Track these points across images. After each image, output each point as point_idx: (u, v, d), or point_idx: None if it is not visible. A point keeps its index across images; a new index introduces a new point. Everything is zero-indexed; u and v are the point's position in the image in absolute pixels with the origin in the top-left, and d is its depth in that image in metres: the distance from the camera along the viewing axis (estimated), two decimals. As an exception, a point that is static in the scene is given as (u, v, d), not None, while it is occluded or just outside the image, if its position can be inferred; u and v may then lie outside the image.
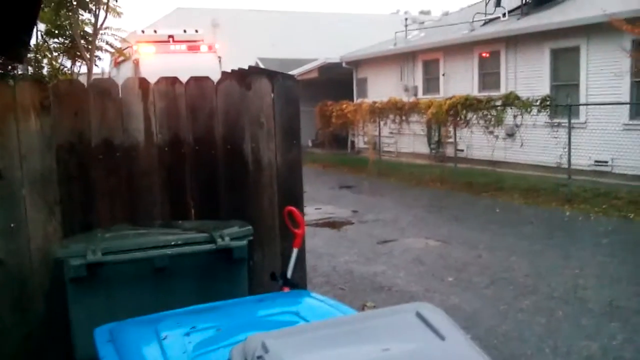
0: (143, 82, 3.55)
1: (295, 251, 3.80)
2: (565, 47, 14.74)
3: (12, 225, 3.32)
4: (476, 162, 16.32)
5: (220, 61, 15.47)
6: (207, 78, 3.75)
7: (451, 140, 15.99)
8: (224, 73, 3.90)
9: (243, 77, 3.84)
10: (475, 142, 15.74)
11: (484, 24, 17.77)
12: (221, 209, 3.78)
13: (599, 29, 13.08)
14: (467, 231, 9.95)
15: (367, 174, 17.13)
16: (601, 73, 13.70)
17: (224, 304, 2.42)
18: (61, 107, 3.38)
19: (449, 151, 16.38)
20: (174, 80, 3.65)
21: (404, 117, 16.60)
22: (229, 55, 16.64)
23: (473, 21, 17.97)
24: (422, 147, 17.82)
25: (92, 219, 3.45)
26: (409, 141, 18.74)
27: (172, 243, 2.78)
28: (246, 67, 4.28)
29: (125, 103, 3.51)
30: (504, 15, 17.15)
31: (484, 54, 17.20)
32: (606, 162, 13.35)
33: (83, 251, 2.67)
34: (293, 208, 3.82)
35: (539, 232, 9.67)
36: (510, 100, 13.20)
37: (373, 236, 9.85)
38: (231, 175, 3.80)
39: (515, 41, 15.99)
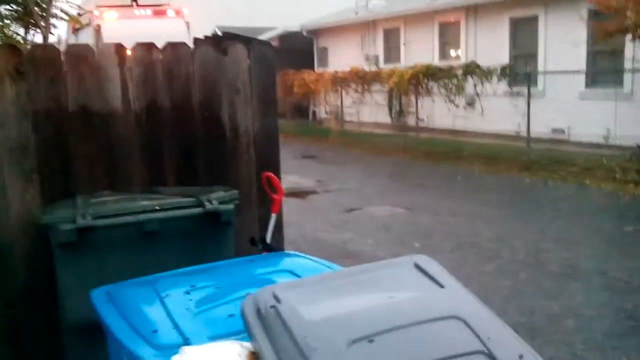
0: (119, 48, 3.52)
1: (273, 216, 3.86)
2: (524, 16, 14.96)
3: (-11, 193, 3.28)
4: (437, 132, 16.54)
5: (188, 27, 14.91)
6: (183, 44, 3.73)
7: (412, 109, 16.15)
8: (198, 39, 3.88)
9: (219, 43, 3.83)
10: (436, 111, 15.95)
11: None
12: (199, 176, 3.80)
13: (558, -1, 13.32)
14: (431, 198, 10.15)
15: (329, 143, 17.20)
16: (559, 42, 13.96)
17: (216, 265, 2.48)
18: (37, 73, 3.33)
19: (411, 120, 16.55)
20: (150, 46, 3.62)
21: (366, 87, 16.67)
22: (186, 24, 16.13)
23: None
24: (384, 117, 17.95)
25: (71, 187, 3.43)
26: (371, 111, 18.84)
27: (161, 207, 2.80)
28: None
29: (101, 69, 3.47)
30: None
31: (444, 23, 17.33)
32: (563, 130, 13.69)
33: (72, 216, 2.67)
34: (271, 174, 3.87)
35: (501, 199, 9.93)
36: (471, 69, 13.40)
37: (339, 205, 9.97)
38: (209, 142, 3.82)
39: (475, 10, 16.14)
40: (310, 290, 1.61)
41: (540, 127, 13.18)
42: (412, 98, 15.75)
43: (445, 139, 15.79)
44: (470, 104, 14.67)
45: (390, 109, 17.55)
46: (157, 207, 2.78)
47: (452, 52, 16.91)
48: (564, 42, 13.83)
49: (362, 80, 16.67)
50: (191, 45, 3.86)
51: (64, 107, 3.42)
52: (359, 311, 1.51)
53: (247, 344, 1.51)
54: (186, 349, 1.53)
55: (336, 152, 16.19)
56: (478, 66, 13.32)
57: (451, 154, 14.14)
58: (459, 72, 13.68)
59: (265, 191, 3.86)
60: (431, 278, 1.68)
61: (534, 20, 14.64)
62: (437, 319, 1.51)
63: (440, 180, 11.86)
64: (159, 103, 3.65)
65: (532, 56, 14.62)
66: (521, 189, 10.70)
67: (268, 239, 3.82)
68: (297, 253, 2.64)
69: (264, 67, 3.94)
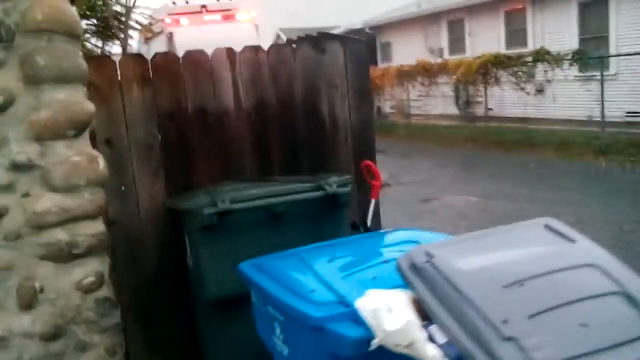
0: (230, 52, 3.85)
1: (373, 202, 4.13)
2: (593, -1, 14.75)
3: (122, 188, 3.67)
4: (507, 120, 16.48)
5: (257, 30, 15.30)
6: (286, 45, 4.04)
7: (481, 99, 16.14)
8: (299, 39, 4.18)
9: (317, 42, 4.13)
10: (505, 100, 15.89)
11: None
12: (302, 166, 4.10)
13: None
14: (505, 187, 10.21)
15: (397, 137, 17.35)
16: (631, 23, 13.71)
17: (345, 240, 2.77)
18: (159, 79, 3.70)
19: (479, 110, 16.54)
20: (257, 48, 3.95)
21: (432, 79, 16.74)
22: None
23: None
24: (451, 108, 17.98)
25: (192, 180, 3.79)
26: (438, 103, 18.89)
27: (288, 192, 3.12)
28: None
29: (214, 71, 3.82)
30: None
31: (509, 11, 17.21)
32: (638, 113, 13.45)
33: (212, 202, 3.01)
34: (370, 162, 4.15)
35: (577, 184, 9.90)
36: (541, 55, 13.31)
37: (414, 196, 10.16)
38: (310, 134, 4.12)
39: (540, -4, 16.00)
40: (457, 248, 1.87)
41: (614, 111, 13.00)
42: (480, 88, 15.74)
43: (515, 127, 15.72)
44: (540, 90, 14.58)
45: (457, 100, 17.56)
46: (287, 192, 3.10)
47: (519, 40, 16.78)
48: (636, 24, 13.58)
49: (428, 72, 16.76)
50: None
51: (184, 108, 3.77)
52: (506, 262, 1.76)
53: (409, 292, 1.77)
54: (369, 291, 1.81)
55: (404, 145, 16.32)
56: (548, 52, 13.24)
57: (522, 142, 14.09)
58: (529, 59, 13.61)
59: (364, 178, 4.13)
60: (562, 235, 1.92)
61: (604, 2, 14.41)
62: (576, 267, 1.74)
63: (513, 168, 11.88)
64: (266, 101, 3.97)
65: (603, 39, 14.39)
66: (598, 174, 10.62)
67: (369, 223, 4.10)
68: (411, 228, 2.89)
69: (358, 63, 4.22)
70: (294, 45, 4.09)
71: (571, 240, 1.92)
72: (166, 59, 3.76)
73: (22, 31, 2.65)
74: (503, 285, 1.65)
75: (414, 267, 1.78)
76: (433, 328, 1.65)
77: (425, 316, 1.71)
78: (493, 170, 11.83)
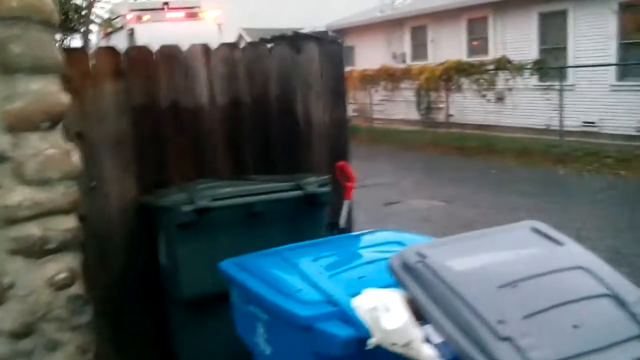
0: (205, 48, 3.80)
1: (346, 203, 4.12)
2: (552, 10, 15.08)
3: (92, 183, 3.57)
4: (467, 127, 16.72)
5: (220, 29, 15.21)
6: (261, 43, 4.00)
7: (442, 105, 16.35)
8: (274, 38, 4.16)
9: (293, 41, 4.11)
10: (466, 106, 16.12)
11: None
12: (276, 165, 4.07)
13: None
14: (467, 191, 10.35)
15: (359, 140, 17.39)
16: (589, 36, 14.09)
17: (323, 241, 2.75)
18: (133, 73, 3.62)
19: (440, 116, 16.74)
20: (233, 45, 3.91)
21: (394, 84, 16.89)
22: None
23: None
24: (413, 114, 18.15)
25: (164, 177, 3.72)
26: (400, 108, 19.05)
27: (267, 191, 3.08)
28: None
29: (189, 67, 3.76)
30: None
31: (471, 19, 17.48)
32: (594, 122, 13.81)
33: (189, 199, 2.96)
34: (344, 163, 4.14)
35: (538, 191, 10.11)
36: (502, 64, 13.56)
37: (377, 199, 10.19)
38: (284, 133, 4.09)
39: (502, 6, 16.28)
40: (448, 248, 1.87)
41: (571, 121, 13.31)
42: (442, 94, 15.94)
43: (476, 134, 15.97)
44: (501, 98, 14.84)
45: (419, 106, 17.74)
46: (265, 191, 3.06)
47: (480, 48, 17.07)
48: (593, 36, 13.95)
49: (391, 77, 16.90)
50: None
51: (157, 103, 3.70)
52: (499, 263, 1.77)
53: (402, 292, 1.77)
54: (367, 290, 1.79)
55: (367, 148, 16.37)
56: (509, 61, 13.50)
57: (483, 148, 14.31)
58: (490, 67, 13.86)
59: (336, 179, 4.12)
60: (549, 238, 1.94)
61: (562, 14, 14.76)
62: (565, 269, 1.76)
63: (475, 173, 12.04)
64: (240, 98, 3.93)
65: (561, 50, 14.74)
66: (557, 181, 10.86)
67: (342, 224, 4.08)
68: (391, 229, 2.90)
69: (333, 63, 4.21)
70: (269, 45, 4.06)
71: (559, 243, 1.94)
72: (140, 53, 3.69)
73: (-5, 18, 2.56)
74: (497, 286, 1.66)
75: (407, 267, 1.78)
76: (428, 328, 1.65)
77: (419, 316, 1.70)
78: (455, 175, 11.98)
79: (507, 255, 1.85)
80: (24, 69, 2.64)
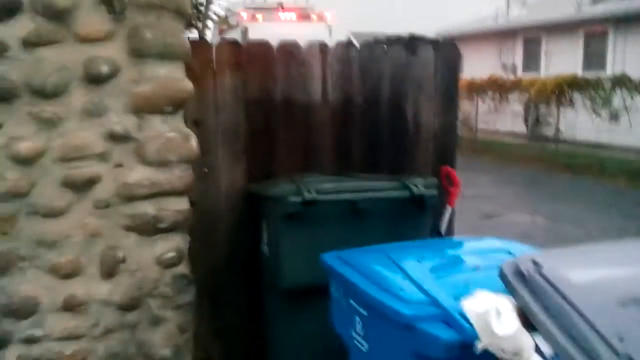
0: (322, 47, 3.85)
1: (449, 209, 4.07)
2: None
3: (205, 170, 3.70)
4: (577, 144, 16.02)
5: (330, 31, 15.38)
6: (376, 44, 4.02)
7: (551, 120, 15.76)
8: (390, 39, 4.16)
9: (409, 44, 4.09)
10: (578, 123, 15.45)
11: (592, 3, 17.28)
12: (381, 165, 4.07)
13: None
14: (573, 210, 9.91)
15: (462, 150, 17.03)
16: None
17: (427, 242, 2.73)
18: (252, 66, 3.73)
19: (549, 131, 16.14)
20: (350, 44, 3.95)
21: (503, 95, 16.44)
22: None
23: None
24: (519, 126, 17.60)
25: (272, 169, 3.81)
26: (506, 120, 18.51)
27: (373, 188, 3.10)
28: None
29: (306, 64, 3.82)
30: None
31: (589, 33, 16.76)
32: None
33: (298, 191, 3.02)
34: (450, 168, 4.09)
35: (651, 215, 9.54)
36: (621, 81, 12.90)
37: (477, 210, 9.96)
38: (393, 134, 4.08)
39: (623, 21, 15.49)
40: (565, 259, 1.81)
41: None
42: (552, 108, 15.36)
43: (586, 152, 15.27)
44: (616, 117, 14.12)
45: (526, 119, 17.19)
46: (372, 188, 3.08)
47: (597, 63, 16.33)
48: None
49: (500, 88, 16.46)
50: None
51: (272, 97, 3.79)
52: (620, 278, 1.69)
53: (512, 300, 1.73)
54: (476, 293, 1.77)
55: (469, 159, 16.00)
56: (629, 79, 12.82)
57: (593, 167, 13.67)
58: (607, 84, 13.22)
59: (442, 184, 4.07)
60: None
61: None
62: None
63: (582, 192, 11.53)
64: (352, 97, 3.96)
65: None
66: (673, 207, 10.22)
67: (442, 230, 4.03)
68: (497, 237, 2.83)
69: (448, 67, 4.16)
70: (385, 46, 4.06)
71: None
72: (261, 47, 3.79)
73: (134, 5, 2.71)
74: (618, 302, 1.59)
75: (520, 274, 1.73)
76: (539, 338, 1.60)
77: (529, 325, 1.65)
78: (560, 192, 11.53)
79: (630, 270, 1.76)
80: (154, 55, 2.79)
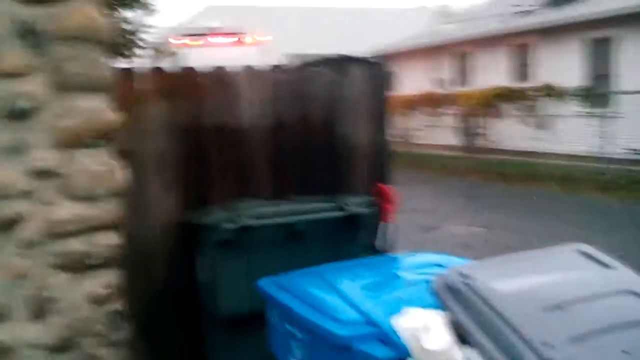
0: (252, 70, 3.86)
1: (384, 225, 4.11)
2: (598, 37, 14.87)
3: (137, 200, 3.63)
4: (509, 153, 16.45)
5: (266, 54, 15.34)
6: (306, 66, 4.05)
7: (483, 131, 16.17)
8: (319, 61, 4.20)
9: (338, 64, 4.14)
10: (508, 133, 15.90)
11: (516, 15, 17.91)
12: (316, 185, 4.08)
13: (633, 19, 13.21)
14: (509, 218, 10.17)
15: (399, 165, 17.24)
16: (635, 62, 13.81)
17: (363, 261, 2.74)
18: (178, 93, 3.69)
19: (481, 142, 16.55)
20: (279, 68, 3.96)
21: (437, 109, 16.80)
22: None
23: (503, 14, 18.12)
24: (454, 139, 17.98)
25: (207, 196, 3.76)
26: (440, 133, 18.88)
27: (308, 210, 3.10)
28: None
29: (235, 89, 3.81)
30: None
31: (514, 45, 17.34)
32: (641, 150, 13.45)
33: (230, 217, 2.99)
34: (383, 185, 4.13)
35: (583, 219, 9.85)
36: (546, 91, 13.38)
37: (416, 224, 10.07)
38: (326, 156, 4.11)
39: (547, 32, 16.11)
40: (492, 270, 1.85)
41: (618, 148, 13.00)
42: (483, 120, 15.78)
43: (518, 160, 15.71)
44: (543, 125, 14.61)
45: (460, 131, 17.59)
46: (307, 210, 3.08)
47: (523, 75, 16.89)
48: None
49: (434, 103, 16.83)
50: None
51: (202, 123, 3.76)
52: (545, 285, 1.74)
53: (445, 314, 1.74)
54: (407, 309, 1.78)
55: (406, 173, 16.22)
56: (553, 88, 13.32)
57: (525, 175, 14.08)
58: (534, 94, 13.69)
59: (377, 201, 4.10)
60: (597, 261, 1.90)
61: (607, 41, 14.54)
62: (614, 293, 1.72)
63: (516, 200, 11.85)
64: (284, 120, 3.97)
65: (607, 77, 14.49)
66: (603, 209, 10.60)
67: (380, 246, 4.06)
68: (429, 251, 2.87)
69: (376, 86, 4.23)
70: (314, 68, 4.10)
71: (606, 266, 1.90)
72: (187, 74, 3.76)
73: (55, 38, 2.64)
74: (543, 308, 1.63)
75: (450, 288, 1.76)
76: (470, 350, 1.62)
77: (461, 338, 1.68)
78: (496, 201, 11.82)
79: (554, 277, 1.82)
80: (78, 88, 2.72)
